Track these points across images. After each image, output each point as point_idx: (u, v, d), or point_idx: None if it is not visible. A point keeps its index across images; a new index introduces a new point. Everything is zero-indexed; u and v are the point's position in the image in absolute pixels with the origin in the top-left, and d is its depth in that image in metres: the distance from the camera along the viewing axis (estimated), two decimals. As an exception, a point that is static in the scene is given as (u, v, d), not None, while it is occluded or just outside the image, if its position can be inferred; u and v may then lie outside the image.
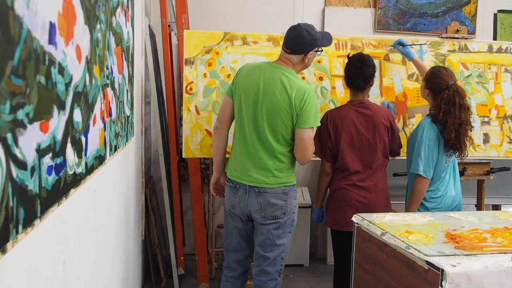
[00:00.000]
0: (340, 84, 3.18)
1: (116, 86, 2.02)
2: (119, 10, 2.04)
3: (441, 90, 2.56)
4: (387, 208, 2.69)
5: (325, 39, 2.48)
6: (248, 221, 2.48)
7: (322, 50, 2.49)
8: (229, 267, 2.58)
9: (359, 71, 2.67)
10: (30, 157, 0.98)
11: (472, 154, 3.14)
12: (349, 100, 2.79)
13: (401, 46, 3.10)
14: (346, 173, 2.67)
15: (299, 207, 4.00)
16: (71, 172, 1.30)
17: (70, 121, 1.27)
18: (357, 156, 2.66)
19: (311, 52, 2.39)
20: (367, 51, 3.14)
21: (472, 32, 4.38)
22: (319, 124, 2.42)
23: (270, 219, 2.40)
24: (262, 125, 2.36)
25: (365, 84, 2.71)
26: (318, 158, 2.84)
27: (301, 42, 2.36)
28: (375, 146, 2.66)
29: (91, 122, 1.53)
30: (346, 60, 2.83)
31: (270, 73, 2.38)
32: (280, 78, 2.36)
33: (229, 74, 3.02)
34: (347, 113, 2.69)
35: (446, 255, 1.54)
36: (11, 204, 0.89)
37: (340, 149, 2.66)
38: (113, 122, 1.96)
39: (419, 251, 1.57)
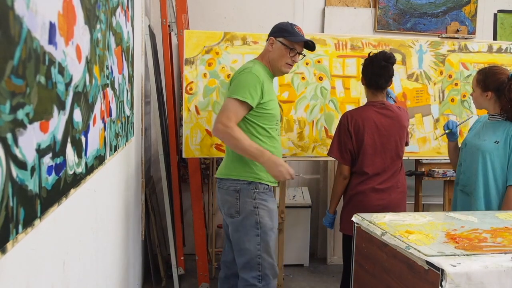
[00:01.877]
0: (340, 84, 3.19)
1: (116, 86, 2.02)
2: (119, 10, 2.04)
3: (504, 82, 2.39)
4: (404, 209, 2.64)
5: (297, 37, 2.35)
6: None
7: (304, 55, 2.49)
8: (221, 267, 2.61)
9: (384, 69, 2.55)
10: (30, 157, 0.98)
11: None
12: (368, 101, 2.66)
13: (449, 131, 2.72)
14: (364, 177, 2.57)
15: (299, 207, 4.02)
16: (71, 172, 1.30)
17: (70, 121, 1.27)
18: (378, 159, 2.56)
19: (274, 41, 2.36)
20: (366, 51, 3.15)
21: (472, 32, 4.38)
22: (239, 97, 2.18)
23: (228, 216, 2.36)
24: None
25: (387, 84, 2.60)
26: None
27: (272, 28, 2.42)
28: (396, 149, 2.58)
29: (91, 122, 1.53)
30: (365, 60, 2.67)
31: None
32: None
33: (229, 74, 3.02)
34: (369, 114, 2.58)
35: (446, 255, 1.53)
36: (11, 204, 0.89)
37: (362, 152, 2.56)
38: (113, 122, 1.96)
39: (419, 251, 1.57)
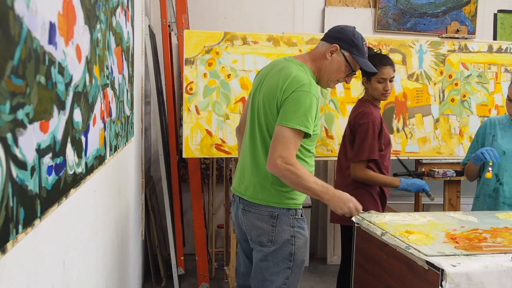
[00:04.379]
0: (340, 84, 3.18)
1: (116, 86, 2.02)
2: (119, 10, 2.04)
3: None
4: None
5: (365, 60, 2.02)
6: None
7: (354, 72, 2.05)
8: None
9: None
10: (30, 157, 0.98)
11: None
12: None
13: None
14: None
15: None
16: (71, 172, 1.30)
17: (70, 121, 1.27)
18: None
19: (337, 50, 1.99)
20: (367, 51, 3.14)
21: (472, 32, 4.38)
22: (302, 128, 1.85)
23: (257, 245, 1.99)
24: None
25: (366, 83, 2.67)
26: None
27: (337, 30, 2.02)
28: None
29: (91, 122, 1.53)
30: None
31: (276, 64, 2.06)
32: (280, 67, 1.99)
33: (229, 74, 3.02)
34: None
35: (446, 255, 1.53)
36: (11, 204, 0.89)
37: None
38: (113, 122, 1.96)
39: (419, 251, 1.57)
